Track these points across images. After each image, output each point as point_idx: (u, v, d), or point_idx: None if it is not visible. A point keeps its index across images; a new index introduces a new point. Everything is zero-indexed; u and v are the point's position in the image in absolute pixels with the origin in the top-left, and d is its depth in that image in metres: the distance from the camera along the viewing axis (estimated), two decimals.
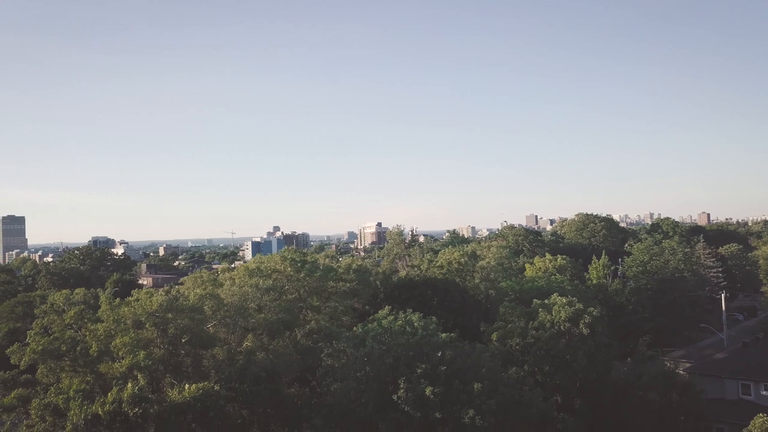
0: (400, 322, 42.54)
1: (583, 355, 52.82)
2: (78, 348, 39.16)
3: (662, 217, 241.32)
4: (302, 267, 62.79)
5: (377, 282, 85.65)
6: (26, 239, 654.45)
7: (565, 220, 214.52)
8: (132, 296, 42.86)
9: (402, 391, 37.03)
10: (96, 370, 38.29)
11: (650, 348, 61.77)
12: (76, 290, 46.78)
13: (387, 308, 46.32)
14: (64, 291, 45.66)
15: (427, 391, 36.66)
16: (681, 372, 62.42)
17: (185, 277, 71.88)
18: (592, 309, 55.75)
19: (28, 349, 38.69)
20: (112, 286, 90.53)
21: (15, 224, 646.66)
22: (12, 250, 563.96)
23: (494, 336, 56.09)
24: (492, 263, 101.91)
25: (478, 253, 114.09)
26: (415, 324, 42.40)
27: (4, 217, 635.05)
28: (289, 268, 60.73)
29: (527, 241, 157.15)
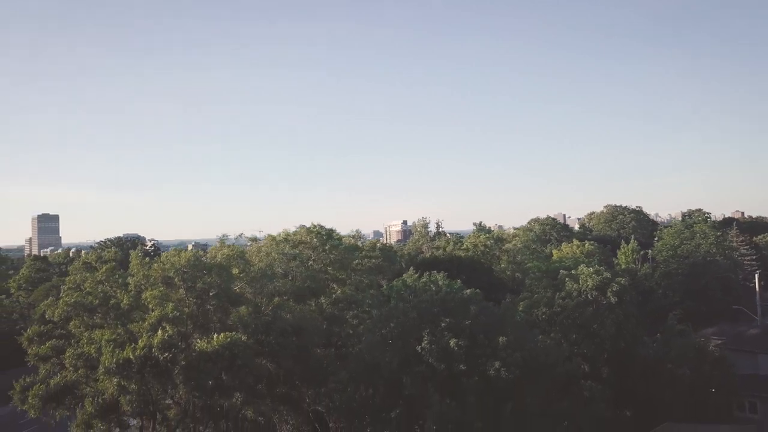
0: (425, 280, 42.64)
1: (611, 323, 52.12)
2: (110, 302, 40.08)
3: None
4: (328, 239, 63.25)
5: (402, 262, 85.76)
6: (60, 237, 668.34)
7: (593, 213, 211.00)
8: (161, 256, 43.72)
9: (426, 343, 37.11)
10: (126, 323, 39.12)
11: (680, 323, 60.72)
12: (107, 249, 47.86)
13: (412, 270, 46.45)
14: (95, 251, 46.76)
15: (452, 343, 36.67)
16: (712, 348, 61.17)
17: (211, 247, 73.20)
18: (620, 278, 55.08)
19: (61, 302, 39.71)
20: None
21: (49, 222, 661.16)
22: (47, 248, 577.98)
23: (520, 306, 55.78)
24: (518, 245, 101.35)
25: (504, 238, 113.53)
26: (440, 282, 42.46)
27: (39, 216, 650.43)
28: (315, 240, 61.18)
29: (554, 230, 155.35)
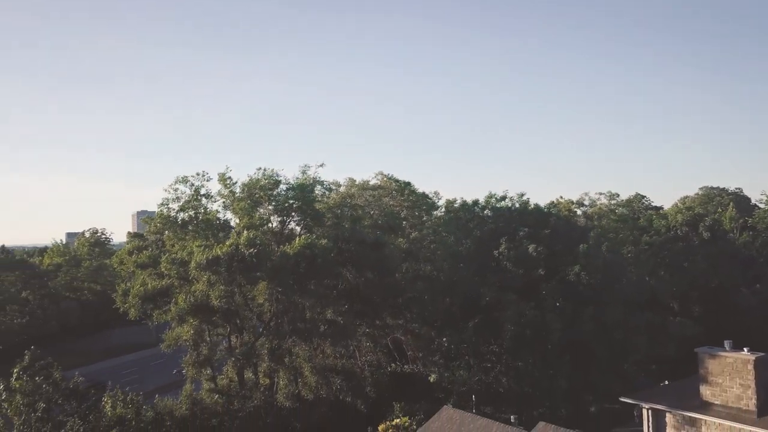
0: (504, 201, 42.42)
1: (702, 259, 49.66)
2: (200, 217, 42.53)
3: None
4: (405, 186, 64.00)
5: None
6: None
7: (687, 197, 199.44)
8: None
9: (503, 248, 36.88)
10: (215, 234, 41.33)
11: None
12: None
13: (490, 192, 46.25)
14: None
15: (530, 248, 36.27)
16: None
17: None
18: (713, 214, 52.33)
19: (155, 218, 42.53)
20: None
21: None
22: None
23: (603, 247, 54.12)
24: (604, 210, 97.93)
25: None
26: (517, 203, 42.07)
27: (138, 212, 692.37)
28: (394, 185, 61.99)
29: (644, 208, 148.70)
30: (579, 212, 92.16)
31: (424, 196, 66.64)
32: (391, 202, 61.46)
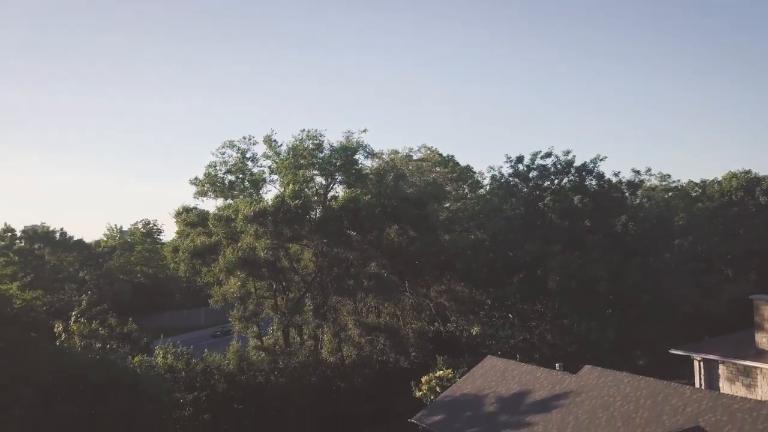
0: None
1: (761, 224, 47.76)
2: (245, 178, 43.51)
3: None
4: (449, 159, 63.94)
5: None
6: None
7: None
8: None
9: (548, 199, 36.40)
10: (260, 194, 42.26)
11: None
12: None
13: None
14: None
15: (575, 199, 35.68)
16: None
17: None
18: None
19: (203, 179, 43.74)
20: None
21: None
22: None
23: (652, 204, 52.69)
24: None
25: None
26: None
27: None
28: (437, 157, 62.04)
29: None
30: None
31: (468, 168, 66.35)
32: (433, 174, 61.48)
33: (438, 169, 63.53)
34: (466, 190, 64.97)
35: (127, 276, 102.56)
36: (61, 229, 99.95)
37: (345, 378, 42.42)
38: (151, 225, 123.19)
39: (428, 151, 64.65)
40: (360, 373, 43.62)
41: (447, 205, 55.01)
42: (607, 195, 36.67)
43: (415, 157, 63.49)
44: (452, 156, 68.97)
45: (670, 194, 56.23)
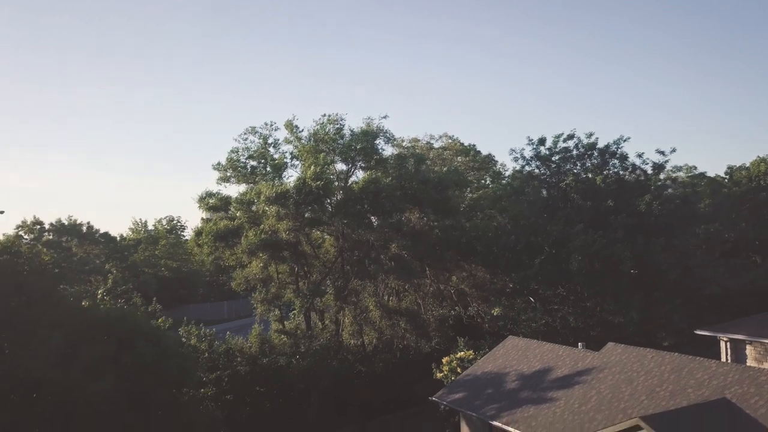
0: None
1: None
2: (266, 164, 43.94)
3: None
4: (470, 149, 63.72)
5: None
6: None
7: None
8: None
9: (570, 180, 36.10)
10: (282, 178, 42.63)
11: None
12: None
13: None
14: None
15: (597, 180, 35.34)
16: None
17: None
18: None
19: (225, 164, 44.27)
20: None
21: None
22: None
23: (676, 188, 51.92)
24: None
25: None
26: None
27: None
28: (459, 146, 61.90)
29: None
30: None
31: (490, 157, 66.08)
32: (455, 163, 61.35)
33: (460, 159, 63.42)
34: (488, 181, 64.74)
35: (152, 269, 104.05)
36: (88, 223, 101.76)
37: (366, 363, 42.54)
38: (174, 221, 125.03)
39: (450, 140, 64.58)
40: (381, 358, 43.74)
41: (469, 194, 54.87)
42: (631, 175, 36.22)
43: (436, 146, 63.46)
44: (474, 145, 68.86)
45: (695, 179, 55.39)
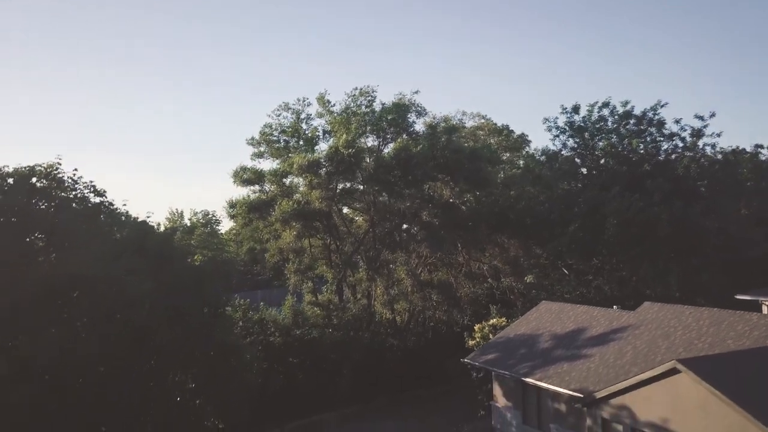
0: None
1: None
2: (299, 139, 44.42)
3: None
4: (503, 129, 63.28)
5: None
6: None
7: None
8: None
9: (605, 144, 35.48)
10: (314, 150, 43.01)
11: None
12: None
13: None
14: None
15: (634, 143, 34.66)
16: None
17: None
18: None
19: (259, 138, 44.88)
20: None
21: None
22: None
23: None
24: None
25: None
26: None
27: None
28: (491, 125, 61.46)
29: None
30: None
31: (523, 136, 65.32)
32: (489, 143, 60.82)
33: (493, 140, 62.85)
34: (521, 163, 64.05)
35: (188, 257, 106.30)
36: (127, 212, 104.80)
37: (398, 337, 42.55)
38: (210, 215, 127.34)
39: (482, 120, 64.09)
40: (413, 332, 43.68)
41: (501, 174, 54.33)
42: (669, 139, 35.37)
43: (468, 124, 63.13)
44: (507, 125, 68.27)
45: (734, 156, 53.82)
